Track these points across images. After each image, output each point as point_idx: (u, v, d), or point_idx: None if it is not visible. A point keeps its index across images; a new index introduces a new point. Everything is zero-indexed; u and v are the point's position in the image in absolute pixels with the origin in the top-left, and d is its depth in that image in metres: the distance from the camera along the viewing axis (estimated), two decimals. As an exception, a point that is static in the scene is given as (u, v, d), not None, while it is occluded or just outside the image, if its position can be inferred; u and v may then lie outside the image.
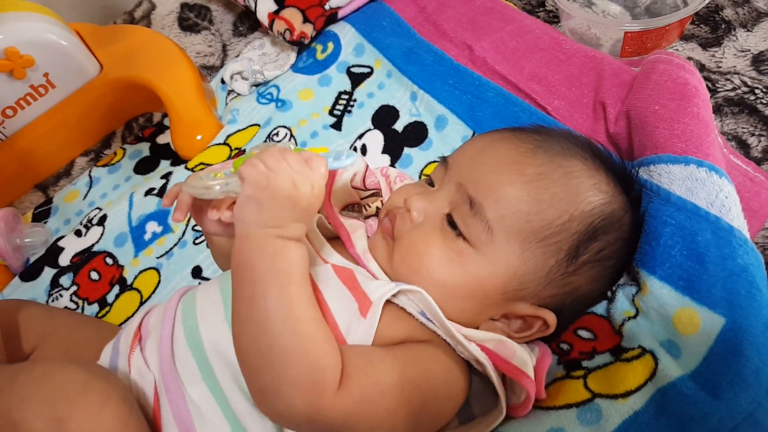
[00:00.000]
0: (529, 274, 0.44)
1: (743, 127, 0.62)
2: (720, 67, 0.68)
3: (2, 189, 0.78)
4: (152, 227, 0.70)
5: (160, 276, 0.67)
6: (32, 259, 0.73)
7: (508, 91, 0.66)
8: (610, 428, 0.42)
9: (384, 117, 0.72)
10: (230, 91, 0.82)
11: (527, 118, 0.62)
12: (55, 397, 0.39)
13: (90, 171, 0.80)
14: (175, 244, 0.68)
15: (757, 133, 0.61)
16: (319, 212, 0.51)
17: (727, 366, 0.40)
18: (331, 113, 0.75)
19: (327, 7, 0.80)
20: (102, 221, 0.73)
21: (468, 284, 0.44)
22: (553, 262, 0.44)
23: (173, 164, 0.77)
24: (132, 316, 0.64)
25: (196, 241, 0.68)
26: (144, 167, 0.79)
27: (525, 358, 0.43)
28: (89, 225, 0.73)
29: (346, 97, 0.75)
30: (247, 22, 0.92)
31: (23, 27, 0.71)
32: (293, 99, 0.77)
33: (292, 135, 0.73)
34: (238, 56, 0.87)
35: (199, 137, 0.75)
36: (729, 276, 0.43)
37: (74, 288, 0.69)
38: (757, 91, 0.63)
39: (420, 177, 0.66)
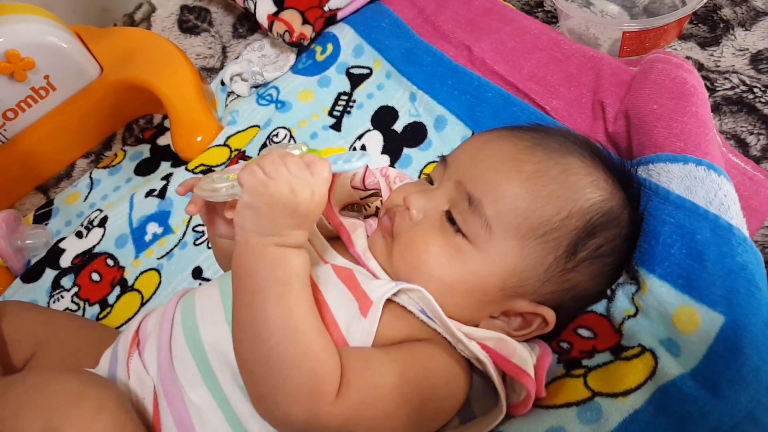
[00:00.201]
0: (528, 270, 0.44)
1: (742, 126, 0.62)
2: (718, 66, 0.68)
3: (3, 191, 0.79)
4: (153, 228, 0.71)
5: (160, 277, 0.67)
6: (33, 261, 0.73)
7: (507, 91, 0.66)
8: (610, 427, 0.42)
9: (383, 118, 0.72)
10: (230, 93, 0.82)
11: (526, 118, 0.62)
12: (48, 408, 0.38)
13: (91, 173, 0.80)
14: (176, 245, 0.68)
15: (755, 131, 0.61)
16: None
17: (726, 364, 0.40)
18: (330, 114, 0.75)
19: (326, 8, 0.80)
20: (103, 223, 0.73)
21: (467, 281, 0.44)
22: (551, 258, 0.44)
23: (173, 165, 0.78)
24: (133, 317, 0.64)
25: (197, 242, 0.68)
26: (144, 169, 0.79)
27: (525, 357, 0.43)
28: (90, 226, 0.73)
29: (346, 98, 0.75)
30: (247, 24, 0.92)
31: (24, 29, 0.72)
32: (293, 100, 0.77)
33: (291, 136, 0.74)
34: (237, 58, 0.87)
35: (199, 139, 0.76)
36: (728, 274, 0.43)
37: (75, 289, 0.69)
38: (755, 89, 0.64)
39: (419, 177, 0.66)
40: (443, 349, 0.43)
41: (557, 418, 0.44)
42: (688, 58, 0.69)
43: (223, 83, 0.84)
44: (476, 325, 0.45)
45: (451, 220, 0.45)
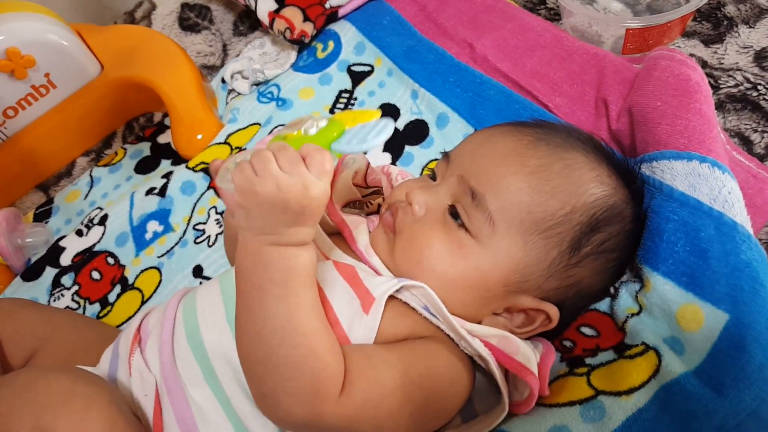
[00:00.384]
0: (531, 265, 0.44)
1: (746, 124, 0.62)
2: (722, 63, 0.67)
3: (3, 189, 0.78)
4: (153, 226, 0.70)
5: (161, 275, 0.67)
6: (33, 259, 0.72)
7: (510, 88, 0.66)
8: (614, 425, 0.42)
9: (385, 115, 0.71)
10: (231, 91, 0.82)
11: (529, 115, 0.62)
12: (37, 407, 0.38)
13: (91, 171, 0.80)
14: (176, 244, 0.68)
15: (760, 129, 0.61)
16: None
17: (730, 362, 0.40)
18: (331, 112, 0.75)
19: (327, 5, 0.80)
20: (103, 221, 0.73)
21: (470, 276, 0.44)
22: (555, 253, 0.44)
23: (174, 164, 0.77)
24: (134, 315, 0.64)
25: (197, 241, 0.68)
26: (145, 167, 0.79)
27: (528, 355, 0.43)
28: (90, 225, 0.73)
29: (347, 95, 0.75)
30: (248, 22, 0.92)
31: (24, 27, 0.71)
32: (294, 98, 0.77)
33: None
34: (238, 55, 0.87)
35: (199, 137, 0.75)
36: (732, 272, 0.43)
37: (75, 288, 0.68)
38: (759, 87, 0.63)
39: (421, 174, 0.66)
40: (446, 347, 0.43)
41: (560, 417, 0.43)
42: (691, 55, 0.69)
43: (223, 81, 0.83)
44: (479, 322, 0.45)
45: (453, 215, 0.45)
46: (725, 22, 0.71)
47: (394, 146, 0.69)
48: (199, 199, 0.71)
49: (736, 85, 0.64)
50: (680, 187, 0.47)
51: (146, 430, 0.44)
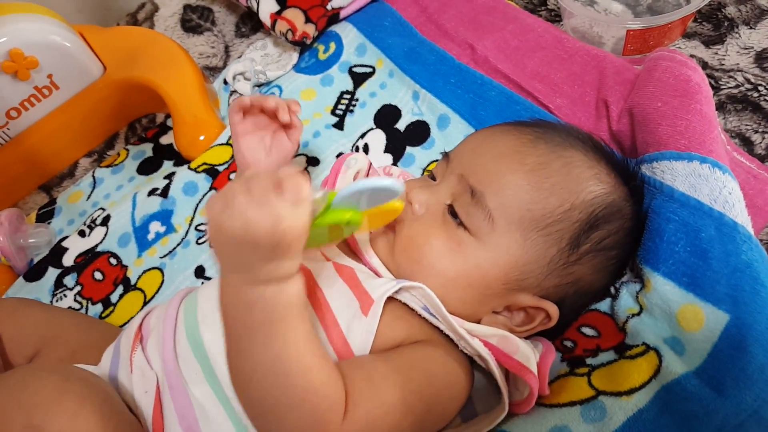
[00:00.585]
0: (531, 263, 0.44)
1: (747, 124, 0.62)
2: (723, 64, 0.67)
3: (6, 190, 0.79)
4: (155, 227, 0.70)
5: (163, 276, 0.67)
6: (36, 260, 0.73)
7: (511, 89, 0.66)
8: (614, 426, 0.42)
9: (386, 116, 0.72)
10: (233, 92, 0.82)
11: (530, 116, 0.62)
12: (30, 405, 0.38)
13: (93, 172, 0.80)
14: (179, 244, 0.68)
15: (760, 130, 0.61)
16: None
17: (731, 363, 0.40)
18: (333, 113, 0.75)
19: (329, 7, 0.80)
20: (105, 221, 0.73)
21: (469, 274, 0.44)
22: (554, 251, 0.44)
23: (176, 165, 0.78)
24: (136, 316, 0.64)
25: (199, 241, 0.68)
26: (147, 168, 0.79)
27: (528, 354, 0.43)
28: (93, 225, 0.73)
29: (348, 96, 0.75)
30: (250, 23, 0.92)
31: (27, 29, 0.72)
32: (295, 99, 0.77)
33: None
34: (240, 57, 0.87)
35: (202, 138, 0.76)
36: (733, 272, 0.43)
37: (78, 288, 0.69)
38: (760, 88, 0.63)
39: (422, 175, 0.66)
40: (443, 351, 0.43)
41: (561, 417, 0.43)
42: (692, 56, 0.69)
43: (225, 82, 0.84)
44: (479, 321, 0.45)
45: (453, 213, 0.45)
46: (726, 23, 0.71)
47: (396, 147, 0.69)
48: (201, 199, 0.71)
49: (737, 86, 0.64)
50: (681, 188, 0.47)
51: (145, 428, 0.44)
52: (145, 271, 0.68)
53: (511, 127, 0.49)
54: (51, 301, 0.68)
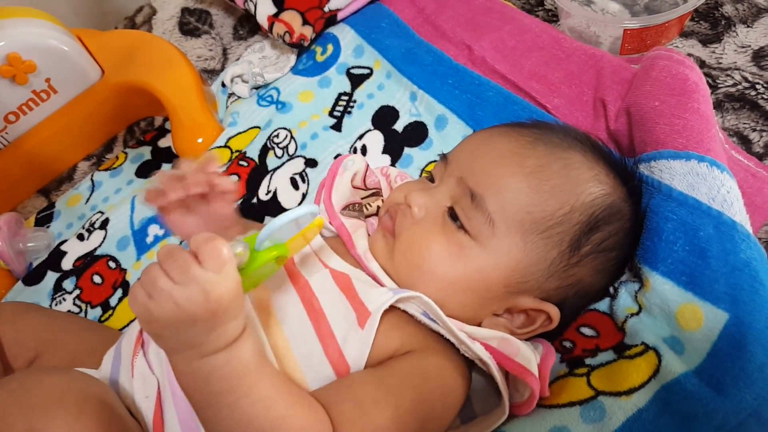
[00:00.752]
0: (532, 266, 0.44)
1: (744, 123, 0.62)
2: (720, 63, 0.67)
3: (5, 194, 0.79)
4: (154, 230, 0.71)
5: (162, 279, 0.67)
6: (35, 264, 0.73)
7: (508, 90, 0.66)
8: (614, 426, 0.42)
9: (384, 117, 0.72)
10: (231, 94, 0.82)
11: (527, 116, 0.62)
12: (30, 408, 0.38)
13: (92, 175, 0.80)
14: (177, 247, 0.68)
15: (758, 128, 0.61)
16: (319, 211, 0.50)
17: (731, 362, 0.40)
18: (331, 114, 0.75)
19: (326, 9, 0.80)
20: (104, 225, 0.73)
21: (470, 278, 0.44)
22: (555, 253, 0.44)
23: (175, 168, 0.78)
24: (135, 319, 0.64)
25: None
26: (146, 171, 0.79)
27: (529, 356, 0.43)
28: (91, 229, 0.73)
29: (346, 98, 0.75)
30: (247, 26, 0.92)
31: (25, 33, 0.72)
32: (293, 101, 0.77)
33: (292, 137, 0.73)
34: (238, 59, 0.87)
35: (200, 140, 0.76)
36: (732, 271, 0.42)
37: (77, 292, 0.69)
38: (758, 86, 0.63)
39: (420, 176, 0.66)
40: (438, 361, 0.42)
41: (560, 418, 0.43)
42: (689, 55, 0.69)
43: (223, 85, 0.84)
44: (479, 324, 0.45)
45: (453, 216, 0.45)
46: (723, 22, 0.71)
47: (394, 148, 0.69)
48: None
49: (735, 85, 0.64)
50: (679, 187, 0.47)
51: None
52: (143, 275, 0.68)
53: (510, 129, 0.49)
54: (50, 305, 0.68)
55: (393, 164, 0.68)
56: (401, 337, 0.42)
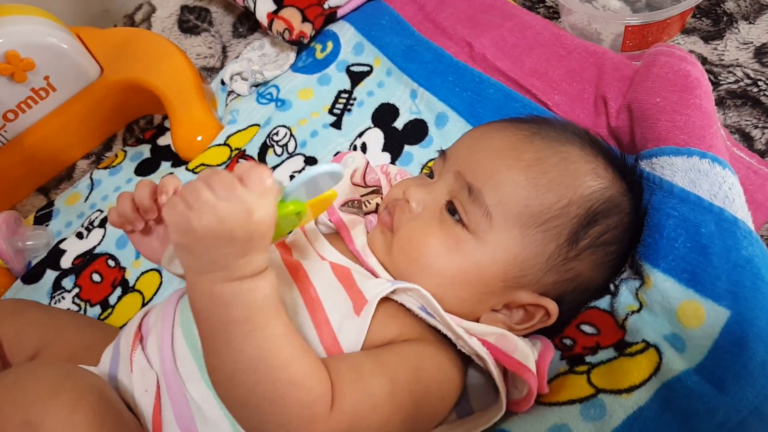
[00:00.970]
0: (530, 259, 0.43)
1: (747, 120, 0.61)
2: (722, 60, 0.67)
3: (4, 192, 0.79)
4: (153, 228, 0.70)
5: (161, 277, 0.67)
6: (34, 262, 0.73)
7: (509, 87, 0.66)
8: (615, 424, 0.41)
9: (384, 115, 0.71)
10: (230, 92, 0.82)
11: (528, 113, 0.61)
12: (26, 402, 0.38)
13: (91, 173, 0.80)
14: (176, 245, 0.68)
15: (760, 125, 0.60)
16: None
17: (732, 359, 0.39)
18: (330, 112, 0.74)
19: (326, 6, 0.80)
20: (103, 223, 0.73)
21: (467, 272, 0.43)
22: (553, 247, 0.43)
23: (174, 165, 0.77)
24: (135, 315, 0.64)
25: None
26: (145, 169, 0.79)
27: (527, 352, 0.43)
28: (90, 227, 0.73)
29: (346, 95, 0.75)
30: (247, 23, 0.92)
31: (24, 30, 0.72)
32: (293, 98, 0.77)
33: (292, 134, 0.73)
34: (237, 57, 0.87)
35: (199, 138, 0.76)
36: (733, 268, 0.42)
37: (76, 290, 0.68)
38: (760, 83, 0.63)
39: (421, 173, 0.66)
40: (434, 349, 0.42)
41: (560, 416, 0.43)
42: (691, 52, 0.68)
43: (223, 83, 0.83)
44: (477, 319, 0.45)
45: (451, 211, 0.45)
46: (725, 18, 0.70)
47: (394, 146, 0.69)
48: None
49: (737, 81, 0.64)
50: (680, 183, 0.47)
51: (144, 427, 0.44)
52: (143, 273, 0.68)
53: (508, 123, 0.48)
54: (49, 304, 0.68)
55: (393, 162, 0.68)
56: (398, 327, 0.42)
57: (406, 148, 0.68)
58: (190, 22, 0.94)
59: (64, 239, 0.73)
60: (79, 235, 0.73)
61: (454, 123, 0.67)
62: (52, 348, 0.54)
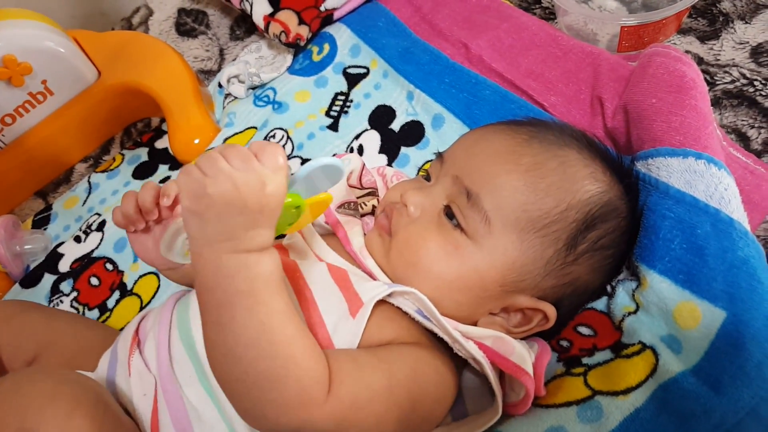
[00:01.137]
0: (528, 264, 0.43)
1: (743, 120, 0.61)
2: (718, 60, 0.67)
3: (2, 196, 0.79)
4: (151, 232, 0.70)
5: (159, 281, 0.67)
6: (32, 266, 0.73)
7: (505, 88, 0.66)
8: (611, 426, 0.41)
9: (380, 117, 0.72)
10: (227, 95, 0.82)
11: (524, 114, 0.61)
12: (22, 409, 0.38)
13: (89, 177, 0.80)
14: (174, 248, 0.68)
15: (756, 125, 0.60)
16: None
17: (729, 360, 0.39)
18: (327, 114, 0.74)
19: (322, 8, 0.80)
20: (101, 227, 0.73)
21: (466, 277, 0.43)
22: (551, 251, 0.43)
23: (171, 168, 0.78)
24: (132, 319, 0.64)
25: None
26: (143, 172, 0.79)
27: (524, 355, 0.43)
28: (88, 231, 0.73)
29: (343, 98, 0.75)
30: (244, 26, 0.92)
31: (21, 34, 0.72)
32: (290, 101, 0.77)
33: (289, 137, 0.73)
34: (235, 60, 0.87)
35: (196, 141, 0.76)
36: (729, 269, 0.42)
37: (74, 294, 0.69)
38: (756, 83, 0.63)
39: (417, 175, 0.66)
40: (430, 352, 0.42)
41: (557, 418, 0.43)
42: (687, 52, 0.68)
43: (220, 85, 0.84)
44: (475, 323, 0.45)
45: (449, 215, 0.45)
46: (721, 18, 0.70)
47: (390, 148, 0.69)
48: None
49: (733, 81, 0.64)
50: (676, 185, 0.47)
51: (143, 431, 0.44)
52: (141, 276, 0.68)
53: (505, 127, 0.48)
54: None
55: (390, 164, 0.68)
56: (394, 330, 0.42)
57: (403, 149, 0.68)
58: (188, 25, 0.94)
59: (62, 243, 0.73)
60: (77, 239, 0.73)
61: (450, 124, 0.67)
62: (51, 352, 0.54)
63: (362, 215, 0.56)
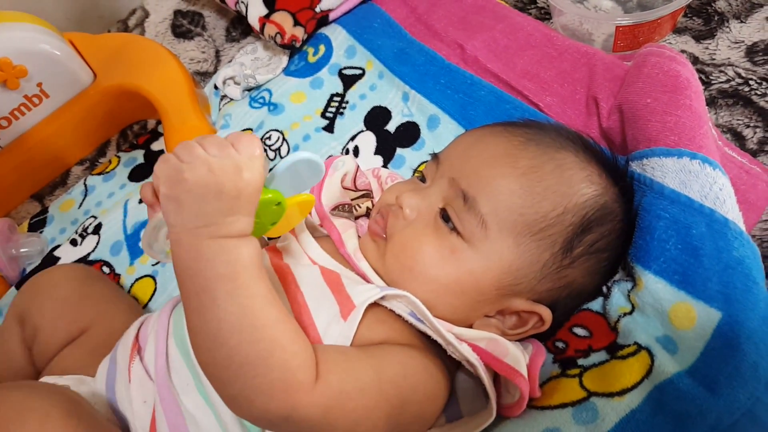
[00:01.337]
0: (524, 268, 0.43)
1: (738, 119, 0.61)
2: (714, 59, 0.67)
3: (-2, 199, 0.79)
4: (147, 234, 0.70)
5: (155, 283, 0.67)
6: (28, 269, 0.72)
7: (500, 89, 0.66)
8: (607, 427, 0.41)
9: (376, 118, 0.71)
10: (223, 97, 0.82)
11: (520, 115, 0.62)
12: None
13: (85, 180, 0.80)
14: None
15: (752, 124, 0.60)
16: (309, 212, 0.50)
17: (724, 361, 0.39)
18: (323, 116, 0.74)
19: (318, 9, 0.80)
20: (97, 230, 0.73)
21: (462, 280, 0.43)
22: (547, 255, 0.43)
23: (168, 171, 0.77)
24: (131, 325, 0.64)
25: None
26: (139, 174, 0.79)
27: (518, 357, 0.43)
28: (85, 234, 0.73)
29: (338, 99, 0.75)
30: (240, 28, 0.92)
31: (16, 37, 0.72)
32: (285, 102, 0.77)
33: (284, 138, 0.73)
34: (230, 61, 0.87)
35: (192, 143, 0.75)
36: (725, 269, 0.42)
37: (70, 297, 0.68)
38: (751, 82, 0.63)
39: (412, 176, 0.65)
40: (421, 353, 0.42)
41: (552, 419, 0.43)
42: (683, 51, 0.68)
43: (216, 87, 0.83)
44: (470, 325, 0.45)
45: (445, 218, 0.45)
46: (716, 18, 0.70)
47: (386, 149, 0.69)
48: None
49: (728, 81, 0.64)
50: (671, 185, 0.47)
51: None
52: (137, 279, 0.68)
53: (502, 129, 0.48)
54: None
55: (385, 165, 0.68)
56: (386, 332, 0.42)
57: (399, 151, 0.68)
58: (184, 26, 0.94)
59: (58, 246, 0.73)
60: (73, 242, 0.73)
61: (446, 125, 0.67)
62: (101, 328, 0.54)
63: (356, 217, 0.56)
